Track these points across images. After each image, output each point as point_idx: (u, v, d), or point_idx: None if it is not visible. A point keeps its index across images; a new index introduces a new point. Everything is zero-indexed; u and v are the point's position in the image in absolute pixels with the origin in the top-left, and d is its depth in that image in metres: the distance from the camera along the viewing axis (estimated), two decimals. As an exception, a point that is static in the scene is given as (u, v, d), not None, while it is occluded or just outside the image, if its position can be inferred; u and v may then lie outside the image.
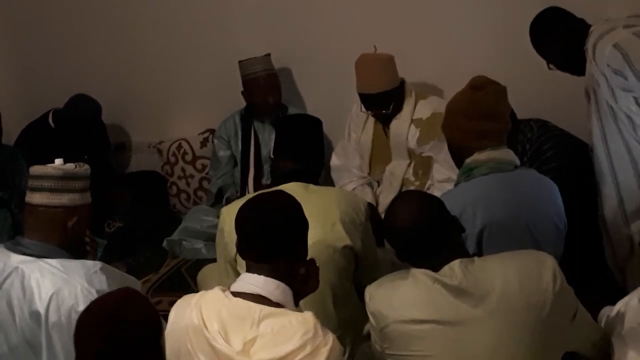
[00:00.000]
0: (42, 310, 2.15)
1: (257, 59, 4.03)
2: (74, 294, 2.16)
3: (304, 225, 2.10)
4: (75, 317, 1.97)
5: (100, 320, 1.71)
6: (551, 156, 3.25)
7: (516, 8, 3.74)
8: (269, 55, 4.06)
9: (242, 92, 4.09)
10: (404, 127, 3.72)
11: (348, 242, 2.57)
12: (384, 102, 3.66)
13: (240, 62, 4.05)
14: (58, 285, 2.17)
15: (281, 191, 2.22)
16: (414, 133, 3.70)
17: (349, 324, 2.65)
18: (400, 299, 2.09)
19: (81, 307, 2.03)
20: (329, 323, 2.46)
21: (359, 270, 2.68)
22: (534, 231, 2.53)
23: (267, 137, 4.07)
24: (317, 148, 2.86)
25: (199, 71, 4.41)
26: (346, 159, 3.95)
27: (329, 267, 2.55)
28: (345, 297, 2.64)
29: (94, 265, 2.24)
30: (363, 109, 3.73)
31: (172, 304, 2.10)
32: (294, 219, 2.07)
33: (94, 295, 2.13)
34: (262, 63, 4.04)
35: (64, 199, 2.25)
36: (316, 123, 2.92)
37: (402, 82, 3.74)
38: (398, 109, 3.72)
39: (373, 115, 3.78)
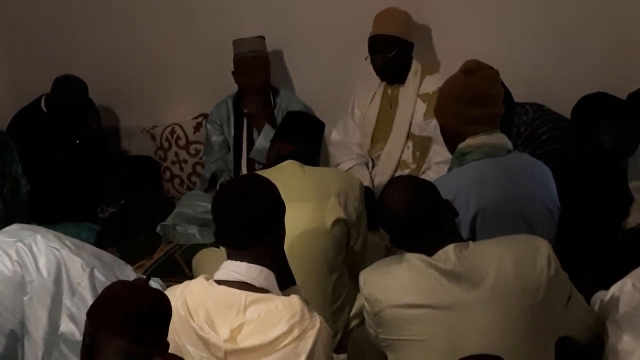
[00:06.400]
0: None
1: (248, 40, 4.02)
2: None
3: (280, 208, 2.07)
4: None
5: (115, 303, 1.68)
6: (546, 140, 3.26)
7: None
8: (262, 37, 4.05)
9: (232, 72, 4.07)
10: (411, 102, 3.76)
11: (342, 215, 2.66)
12: (388, 46, 3.72)
13: (234, 41, 4.04)
14: None
15: (256, 176, 2.21)
16: (421, 107, 3.75)
17: (344, 298, 2.73)
18: (395, 283, 2.08)
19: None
20: (324, 296, 2.56)
21: (349, 247, 2.75)
22: (527, 215, 2.53)
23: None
24: (315, 138, 2.95)
25: (192, 55, 4.39)
26: (346, 135, 3.98)
27: (324, 238, 2.64)
28: (339, 271, 2.72)
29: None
30: (368, 59, 3.77)
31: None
32: (269, 204, 2.04)
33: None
34: (254, 44, 4.02)
35: None
36: (320, 123, 3.06)
37: (412, 48, 3.79)
38: (402, 71, 3.78)
39: (375, 65, 3.78)
